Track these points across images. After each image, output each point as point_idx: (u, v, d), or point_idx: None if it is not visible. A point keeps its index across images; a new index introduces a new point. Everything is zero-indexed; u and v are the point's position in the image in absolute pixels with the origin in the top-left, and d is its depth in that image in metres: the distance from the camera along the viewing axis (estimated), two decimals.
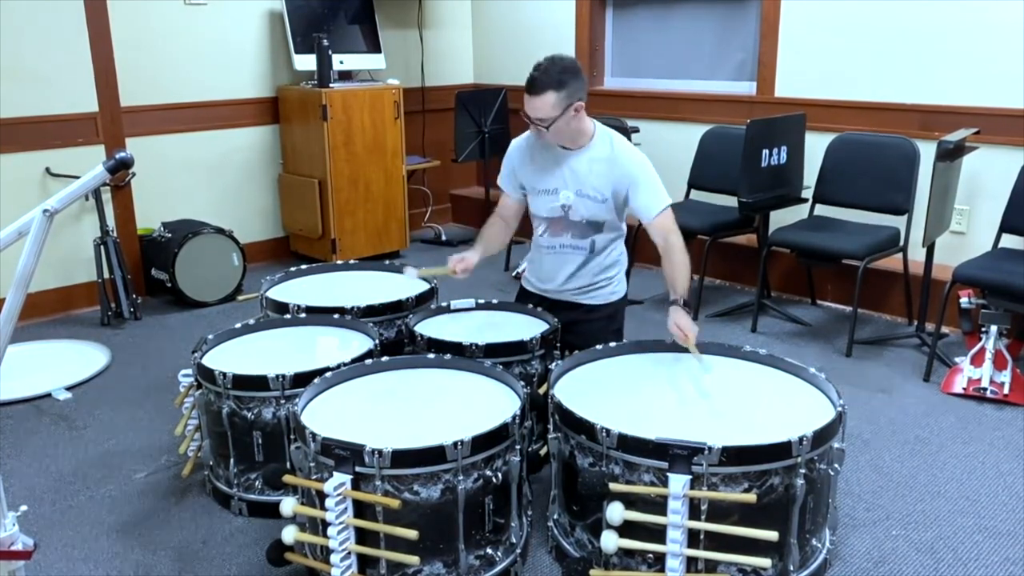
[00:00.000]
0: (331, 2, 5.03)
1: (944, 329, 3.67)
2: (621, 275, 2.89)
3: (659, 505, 1.92)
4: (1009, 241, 3.55)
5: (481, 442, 2.00)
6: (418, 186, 5.69)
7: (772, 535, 1.87)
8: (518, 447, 2.12)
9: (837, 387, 2.20)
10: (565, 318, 2.77)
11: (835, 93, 4.18)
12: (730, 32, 4.72)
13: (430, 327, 2.77)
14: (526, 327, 2.74)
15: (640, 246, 4.78)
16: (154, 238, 4.44)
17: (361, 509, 1.97)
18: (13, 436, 3.03)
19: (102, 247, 4.15)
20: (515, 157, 2.82)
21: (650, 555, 1.97)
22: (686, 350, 2.48)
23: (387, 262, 3.72)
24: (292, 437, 2.12)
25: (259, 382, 2.38)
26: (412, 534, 1.90)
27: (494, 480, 2.05)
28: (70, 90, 4.16)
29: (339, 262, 3.79)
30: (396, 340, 2.90)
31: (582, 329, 2.78)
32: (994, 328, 3.23)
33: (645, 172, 2.65)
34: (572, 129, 2.61)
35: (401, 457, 1.93)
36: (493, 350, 2.54)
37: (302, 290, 3.19)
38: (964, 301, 3.36)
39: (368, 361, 2.47)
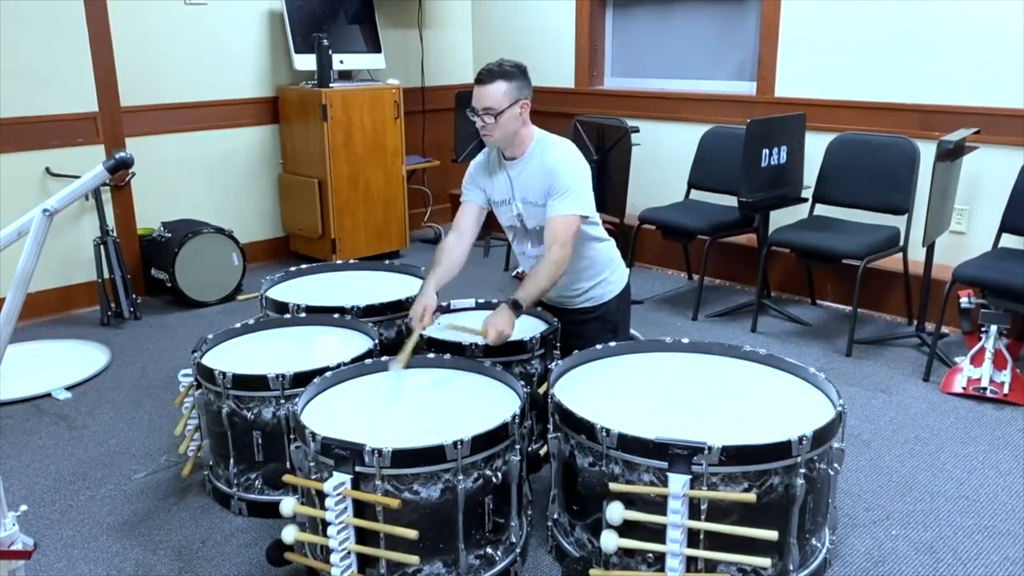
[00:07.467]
0: (331, 2, 5.03)
1: (944, 329, 3.67)
2: (609, 277, 2.85)
3: (659, 505, 1.92)
4: (1009, 241, 3.55)
5: (481, 442, 2.00)
6: (418, 186, 5.69)
7: (772, 535, 1.87)
8: (518, 447, 2.12)
9: (837, 387, 2.20)
10: (560, 320, 2.78)
11: (835, 93, 4.18)
12: (730, 32, 4.72)
13: (430, 327, 2.77)
14: (526, 327, 2.74)
15: (640, 246, 4.79)
16: (154, 238, 4.44)
17: (361, 509, 1.97)
18: (13, 436, 3.03)
19: (102, 247, 4.15)
20: (477, 170, 2.84)
21: (650, 555, 1.97)
22: (681, 348, 2.48)
23: (387, 262, 3.72)
24: (292, 437, 2.13)
25: (259, 382, 2.39)
26: (412, 534, 1.90)
27: (494, 480, 2.06)
28: (70, 90, 4.16)
29: (339, 262, 3.79)
30: (396, 340, 2.90)
31: (575, 332, 2.77)
32: (994, 328, 3.23)
33: (567, 173, 2.60)
34: (516, 131, 2.62)
35: (401, 457, 1.93)
36: (493, 350, 2.53)
37: (302, 290, 3.19)
38: (964, 301, 3.36)
39: (368, 361, 2.47)
